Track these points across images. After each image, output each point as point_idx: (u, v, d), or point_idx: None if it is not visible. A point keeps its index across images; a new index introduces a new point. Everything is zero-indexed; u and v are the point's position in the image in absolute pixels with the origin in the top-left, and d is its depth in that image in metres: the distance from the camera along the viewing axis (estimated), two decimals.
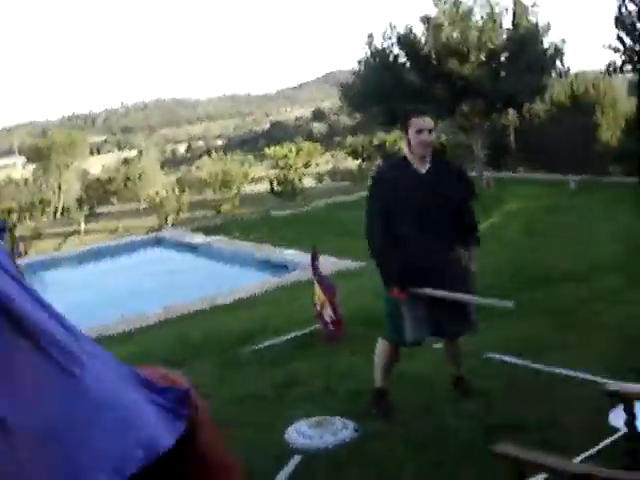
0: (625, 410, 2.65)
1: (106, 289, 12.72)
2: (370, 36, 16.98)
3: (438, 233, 4.44)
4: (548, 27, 16.38)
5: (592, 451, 3.73)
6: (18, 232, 28.70)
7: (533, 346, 5.57)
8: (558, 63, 16.75)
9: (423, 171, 4.47)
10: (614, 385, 2.70)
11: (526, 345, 5.61)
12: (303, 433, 4.46)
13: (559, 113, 20.12)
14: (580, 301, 6.62)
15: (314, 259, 6.97)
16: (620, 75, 16.77)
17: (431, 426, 4.40)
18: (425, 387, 5.06)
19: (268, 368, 6.01)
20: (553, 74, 17.18)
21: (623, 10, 14.48)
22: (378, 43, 16.98)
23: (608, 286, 6.81)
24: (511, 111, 19.26)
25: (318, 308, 6.81)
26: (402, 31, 16.62)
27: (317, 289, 6.84)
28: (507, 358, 5.34)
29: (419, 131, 4.35)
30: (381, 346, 4.72)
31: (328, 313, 6.63)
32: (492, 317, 6.52)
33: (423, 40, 16.48)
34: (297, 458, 4.07)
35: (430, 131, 4.36)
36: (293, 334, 6.90)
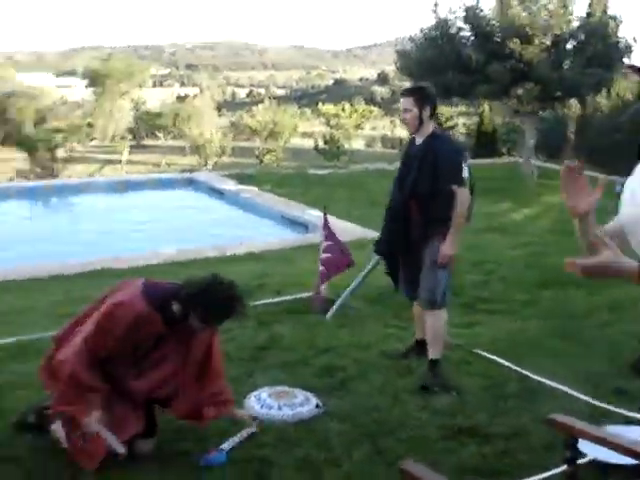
0: (565, 445, 2.40)
1: (127, 221, 12.68)
2: (435, 5, 16.43)
3: (406, 206, 4.70)
4: (620, 21, 15.66)
5: (551, 472, 3.51)
6: (60, 153, 29.04)
7: (525, 350, 5.31)
8: (626, 60, 16.02)
9: (416, 144, 4.74)
10: (559, 416, 2.43)
11: (518, 347, 5.35)
12: (263, 402, 4.31)
13: (624, 109, 19.35)
14: (588, 309, 6.29)
15: (325, 223, 6.73)
16: None
17: (394, 415, 4.20)
18: (404, 375, 4.85)
19: (253, 327, 5.84)
20: (619, 70, 16.45)
21: None
22: (443, 14, 16.43)
23: (624, 297, 6.45)
24: (573, 102, 18.58)
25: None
26: (469, 4, 16.05)
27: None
28: (494, 357, 5.09)
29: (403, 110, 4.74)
30: (445, 315, 4.78)
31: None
32: (494, 312, 6.29)
33: (489, 16, 15.90)
34: (251, 429, 3.91)
35: (405, 110, 4.66)
36: (288, 297, 6.71)
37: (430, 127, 4.69)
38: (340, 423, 4.09)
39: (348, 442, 3.86)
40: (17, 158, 31.42)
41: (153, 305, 3.52)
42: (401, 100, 4.78)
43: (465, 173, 4.61)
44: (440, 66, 15.55)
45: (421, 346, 4.97)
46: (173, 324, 3.55)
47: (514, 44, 14.85)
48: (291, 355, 5.18)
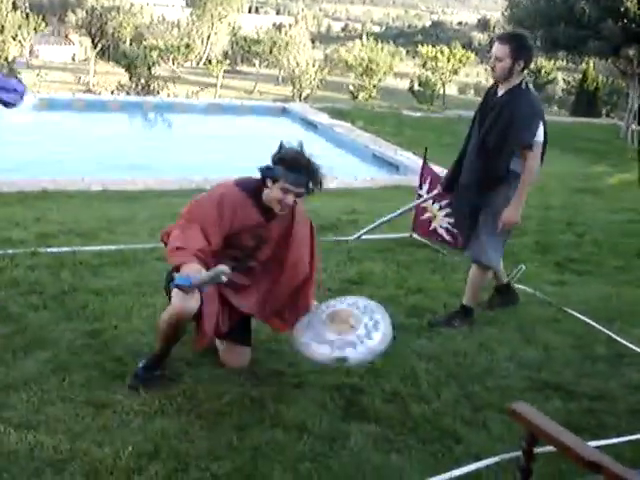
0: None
1: (221, 145, 12.91)
2: None
3: (478, 157, 4.56)
4: None
5: (638, 436, 3.53)
6: (157, 71, 29.43)
7: (616, 314, 5.22)
8: None
9: (497, 95, 4.54)
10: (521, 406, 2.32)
11: (610, 311, 5.28)
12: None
13: None
14: None
15: (425, 172, 6.71)
16: None
17: (480, 362, 4.26)
18: (490, 323, 4.90)
19: (343, 262, 5.95)
20: None
21: None
22: None
23: None
24: None
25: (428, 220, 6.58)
26: None
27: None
28: (584, 318, 5.06)
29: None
30: (489, 275, 4.88)
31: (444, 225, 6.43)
32: (585, 274, 6.24)
33: None
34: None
35: (497, 58, 4.41)
36: (379, 235, 6.79)
37: (517, 80, 4.48)
38: (427, 363, 4.18)
39: (435, 381, 3.95)
40: (117, 73, 32.07)
41: (246, 191, 3.63)
42: (495, 45, 4.48)
43: (539, 137, 4.45)
44: (551, 18, 15.06)
45: (503, 293, 5.06)
46: (267, 214, 3.64)
47: (631, 3, 14.24)
48: (381, 292, 5.25)
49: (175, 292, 3.39)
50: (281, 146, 3.64)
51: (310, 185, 3.61)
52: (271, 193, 3.57)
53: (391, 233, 6.87)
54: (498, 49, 4.42)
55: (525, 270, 5.59)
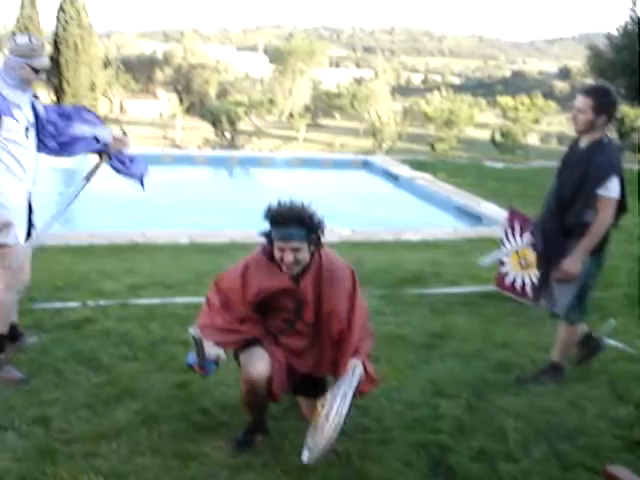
0: None
1: (303, 198, 13.08)
2: (633, 3, 15.65)
3: (555, 207, 4.54)
4: None
5: None
6: (240, 126, 30.23)
7: None
8: None
9: (580, 146, 4.51)
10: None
11: None
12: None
13: None
14: None
15: (513, 217, 6.63)
16: None
17: (570, 420, 4.14)
18: (580, 380, 4.76)
19: (428, 315, 5.92)
20: None
21: None
22: None
23: None
24: None
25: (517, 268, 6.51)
26: None
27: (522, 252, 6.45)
28: None
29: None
30: (577, 330, 4.76)
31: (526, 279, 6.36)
32: None
33: None
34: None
35: (579, 110, 4.37)
36: (464, 289, 6.72)
37: (599, 133, 4.43)
38: (515, 420, 4.09)
39: (523, 439, 3.86)
40: (203, 128, 33.06)
41: (268, 256, 3.54)
42: (578, 97, 4.44)
43: (614, 192, 4.35)
44: (633, 67, 14.83)
45: (584, 344, 4.90)
46: (294, 277, 3.53)
47: None
48: (466, 346, 5.20)
49: (242, 360, 3.49)
50: (269, 205, 3.49)
51: (306, 235, 3.44)
52: (275, 255, 3.49)
53: (475, 286, 6.80)
54: (581, 101, 4.39)
55: (615, 325, 5.42)
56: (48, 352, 4.62)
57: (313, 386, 3.77)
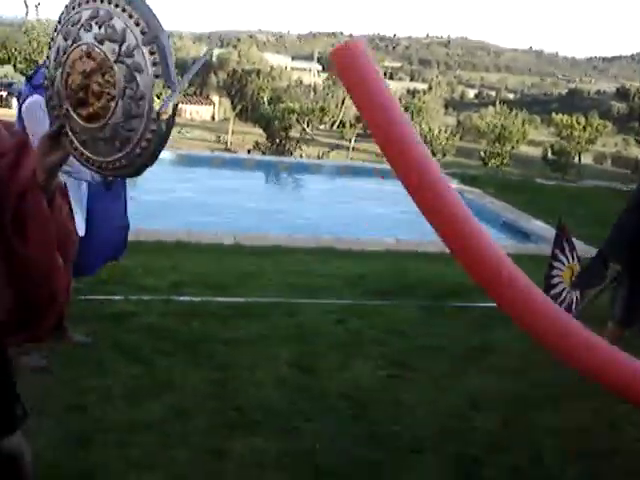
0: None
1: (350, 206, 13.12)
2: None
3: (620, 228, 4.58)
4: None
5: None
6: (292, 132, 30.41)
7: None
8: None
9: None
10: None
11: None
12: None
13: None
14: None
15: (562, 235, 6.51)
16: None
17: (608, 440, 4.05)
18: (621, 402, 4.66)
19: (469, 328, 5.86)
20: None
21: None
22: None
23: None
24: None
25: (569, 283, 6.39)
26: None
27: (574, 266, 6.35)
28: None
29: None
30: None
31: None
32: None
33: None
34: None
35: None
36: None
37: None
38: (552, 438, 4.02)
39: (559, 457, 3.79)
40: (254, 133, 33.33)
41: None
42: None
43: None
44: None
45: None
46: None
47: None
48: (506, 361, 5.13)
49: None
50: None
51: None
52: None
53: None
54: None
55: None
56: (90, 342, 4.70)
57: None
